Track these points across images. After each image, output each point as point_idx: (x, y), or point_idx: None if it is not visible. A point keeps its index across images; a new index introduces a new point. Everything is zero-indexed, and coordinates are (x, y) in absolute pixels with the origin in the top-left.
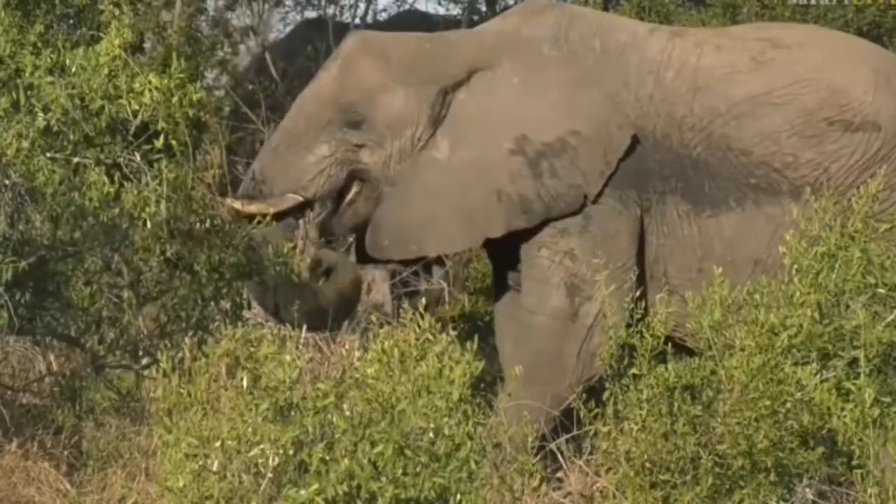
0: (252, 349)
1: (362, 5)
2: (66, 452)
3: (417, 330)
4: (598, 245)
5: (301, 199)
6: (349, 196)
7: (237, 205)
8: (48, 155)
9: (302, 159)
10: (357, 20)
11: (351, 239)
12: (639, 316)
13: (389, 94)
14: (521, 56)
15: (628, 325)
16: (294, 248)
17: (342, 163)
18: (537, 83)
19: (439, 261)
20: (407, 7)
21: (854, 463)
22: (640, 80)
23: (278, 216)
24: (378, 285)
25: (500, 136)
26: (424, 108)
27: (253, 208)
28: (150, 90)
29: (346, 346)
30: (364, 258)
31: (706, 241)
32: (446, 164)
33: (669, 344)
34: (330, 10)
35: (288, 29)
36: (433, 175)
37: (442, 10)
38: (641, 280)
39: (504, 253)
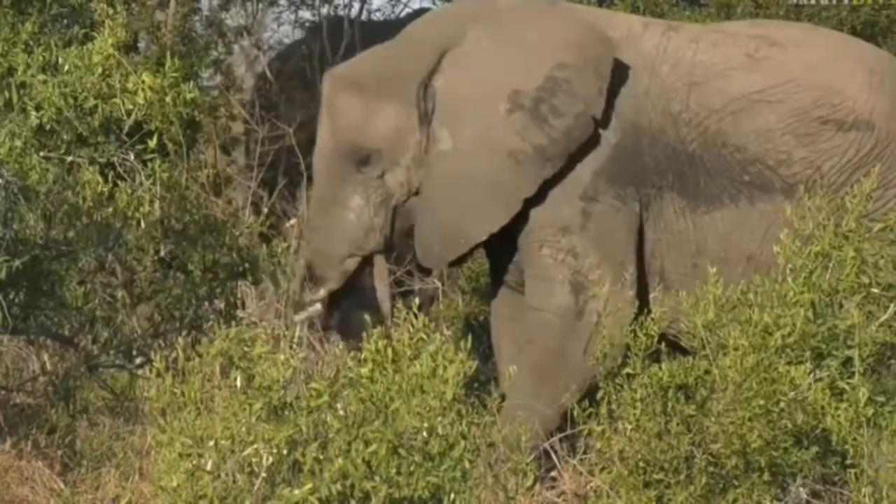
0: (246, 349)
1: (356, 5)
2: (59, 452)
3: (411, 329)
4: (598, 242)
5: (360, 257)
6: (397, 226)
7: (309, 299)
8: (41, 154)
9: (343, 220)
10: (355, 17)
11: None
12: (633, 314)
13: (377, 116)
14: (485, 21)
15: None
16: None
17: (382, 203)
18: (508, 36)
19: None
20: (402, 7)
21: (848, 462)
22: (635, 76)
23: (348, 283)
24: (374, 284)
25: (493, 101)
26: (411, 110)
27: (323, 293)
28: (143, 89)
29: (340, 346)
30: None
31: (701, 236)
32: (454, 151)
33: (663, 343)
34: (324, 10)
35: (282, 28)
36: (447, 167)
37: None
38: (639, 275)
39: (502, 251)
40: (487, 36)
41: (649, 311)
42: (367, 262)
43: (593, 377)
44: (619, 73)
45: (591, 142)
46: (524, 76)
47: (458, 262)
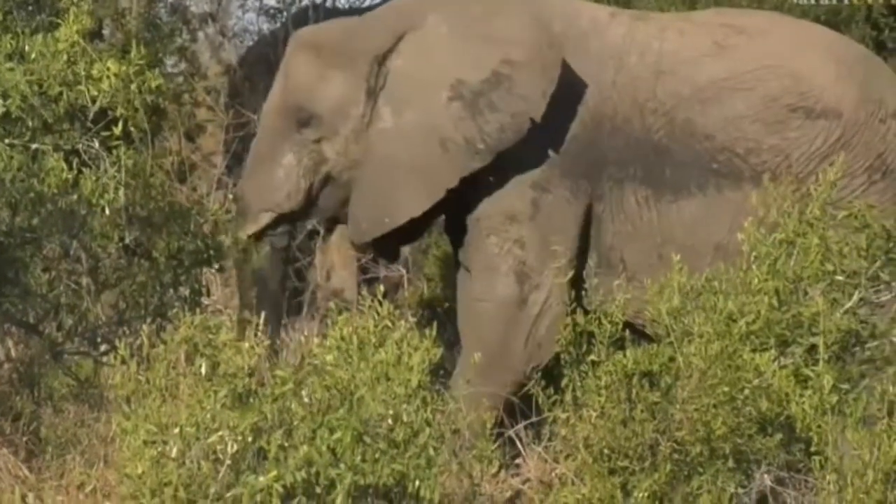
0: (211, 336)
1: None
2: (24, 439)
3: (376, 317)
4: (547, 234)
5: (276, 214)
6: (328, 194)
7: (228, 239)
8: (7, 141)
9: (272, 175)
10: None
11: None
12: (599, 303)
13: (327, 82)
14: (447, 9)
15: (586, 312)
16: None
17: (312, 167)
18: (464, 26)
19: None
20: None
21: (812, 450)
22: (601, 66)
23: (260, 235)
24: (338, 271)
25: (437, 88)
26: (361, 84)
27: (241, 233)
28: (108, 77)
29: (305, 333)
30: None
31: (666, 226)
32: (393, 131)
33: (628, 331)
34: None
35: (247, 16)
36: (385, 145)
37: None
38: (598, 267)
39: (463, 238)
40: (446, 23)
41: (613, 301)
42: (282, 219)
43: (533, 368)
44: (583, 64)
45: (549, 132)
46: (471, 67)
47: (389, 244)
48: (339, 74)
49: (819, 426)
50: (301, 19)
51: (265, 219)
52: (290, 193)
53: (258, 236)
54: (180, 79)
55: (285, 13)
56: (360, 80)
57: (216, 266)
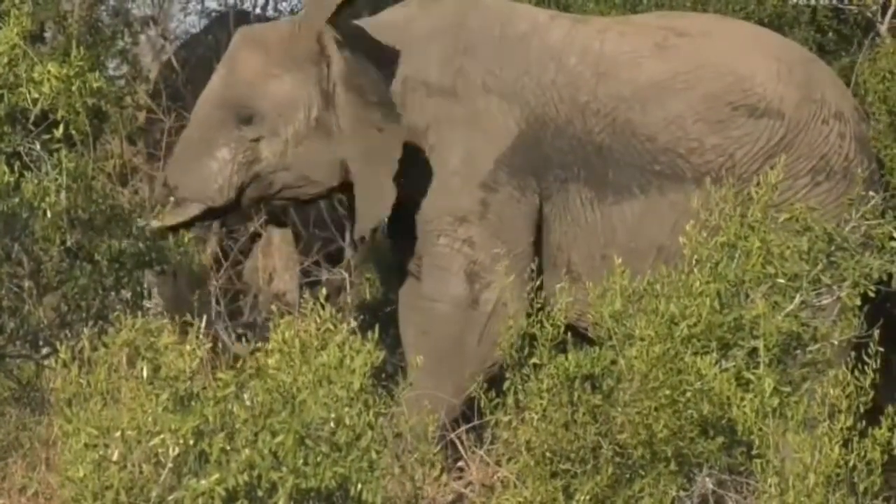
0: (152, 339)
1: None
2: None
3: (318, 320)
4: (497, 232)
5: (206, 207)
6: (251, 190)
7: (154, 222)
8: None
9: (205, 166)
10: (261, 10)
11: None
12: (540, 305)
13: (274, 81)
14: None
15: (529, 314)
16: (194, 238)
17: (246, 164)
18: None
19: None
20: None
21: (754, 453)
22: (541, 67)
23: (187, 225)
24: (280, 275)
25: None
26: (313, 87)
27: (156, 224)
28: (49, 79)
29: (247, 336)
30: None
31: (609, 228)
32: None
33: (570, 333)
34: (231, 0)
35: (189, 18)
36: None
37: None
38: (545, 268)
39: (403, 240)
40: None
41: (556, 304)
42: (210, 213)
43: (491, 365)
44: (523, 65)
45: (494, 131)
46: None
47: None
48: (289, 76)
49: (760, 429)
50: (244, 23)
51: (194, 210)
52: (222, 188)
53: (184, 226)
54: (122, 82)
55: (229, 13)
56: (310, 82)
57: (158, 269)
